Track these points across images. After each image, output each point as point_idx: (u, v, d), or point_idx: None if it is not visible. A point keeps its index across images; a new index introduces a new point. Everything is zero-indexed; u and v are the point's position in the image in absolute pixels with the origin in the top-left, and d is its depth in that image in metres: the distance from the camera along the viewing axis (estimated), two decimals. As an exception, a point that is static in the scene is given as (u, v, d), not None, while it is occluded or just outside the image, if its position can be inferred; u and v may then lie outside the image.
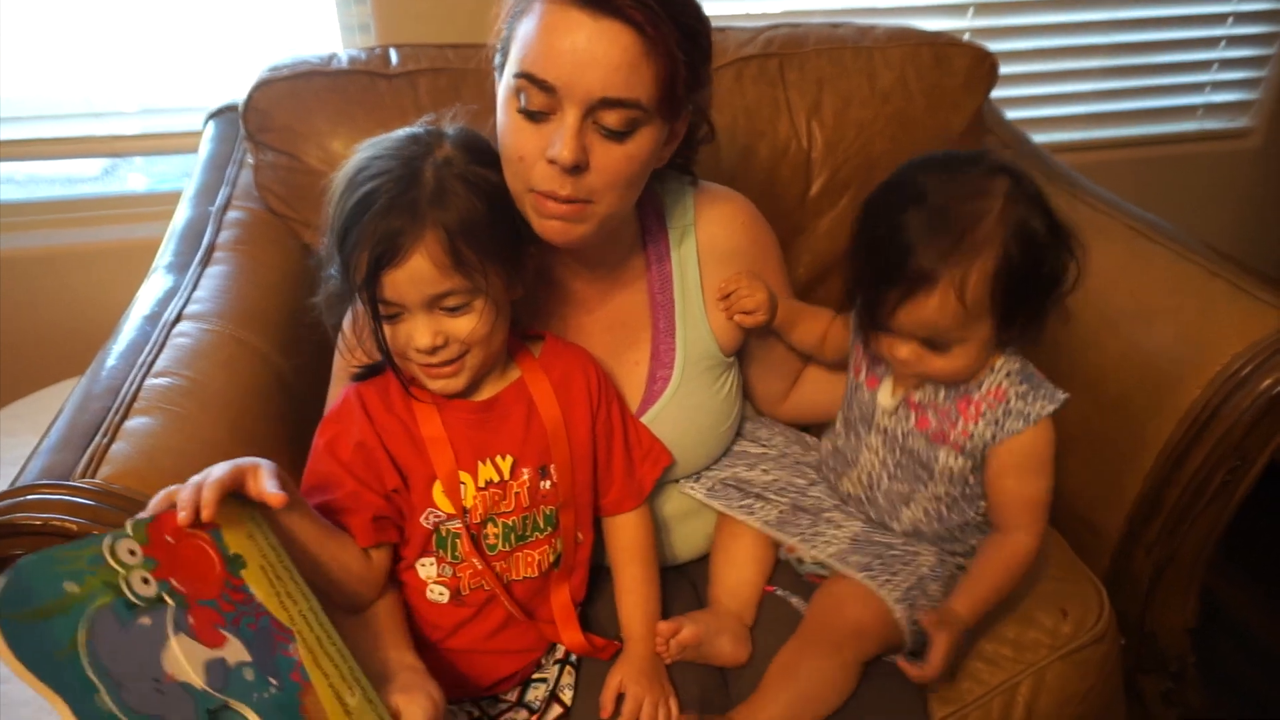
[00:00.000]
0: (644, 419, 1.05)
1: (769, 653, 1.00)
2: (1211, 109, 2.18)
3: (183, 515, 0.69)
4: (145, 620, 0.65)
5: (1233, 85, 2.16)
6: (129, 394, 0.97)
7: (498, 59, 0.91)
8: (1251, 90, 2.17)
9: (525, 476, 0.93)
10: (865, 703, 0.96)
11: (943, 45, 1.49)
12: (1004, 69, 1.53)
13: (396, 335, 0.86)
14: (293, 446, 1.06)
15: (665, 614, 1.02)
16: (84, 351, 1.10)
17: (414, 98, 1.32)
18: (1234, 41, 2.10)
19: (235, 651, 0.67)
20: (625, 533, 1.02)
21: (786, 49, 1.46)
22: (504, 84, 0.88)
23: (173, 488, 0.72)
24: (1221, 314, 1.13)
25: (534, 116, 0.84)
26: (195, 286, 1.16)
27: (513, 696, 0.98)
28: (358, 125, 1.28)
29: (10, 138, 1.64)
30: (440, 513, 0.91)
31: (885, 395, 1.01)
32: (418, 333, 0.84)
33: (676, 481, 1.11)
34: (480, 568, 0.92)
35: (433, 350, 0.85)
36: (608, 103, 0.82)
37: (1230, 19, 2.06)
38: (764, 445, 1.16)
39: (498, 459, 0.92)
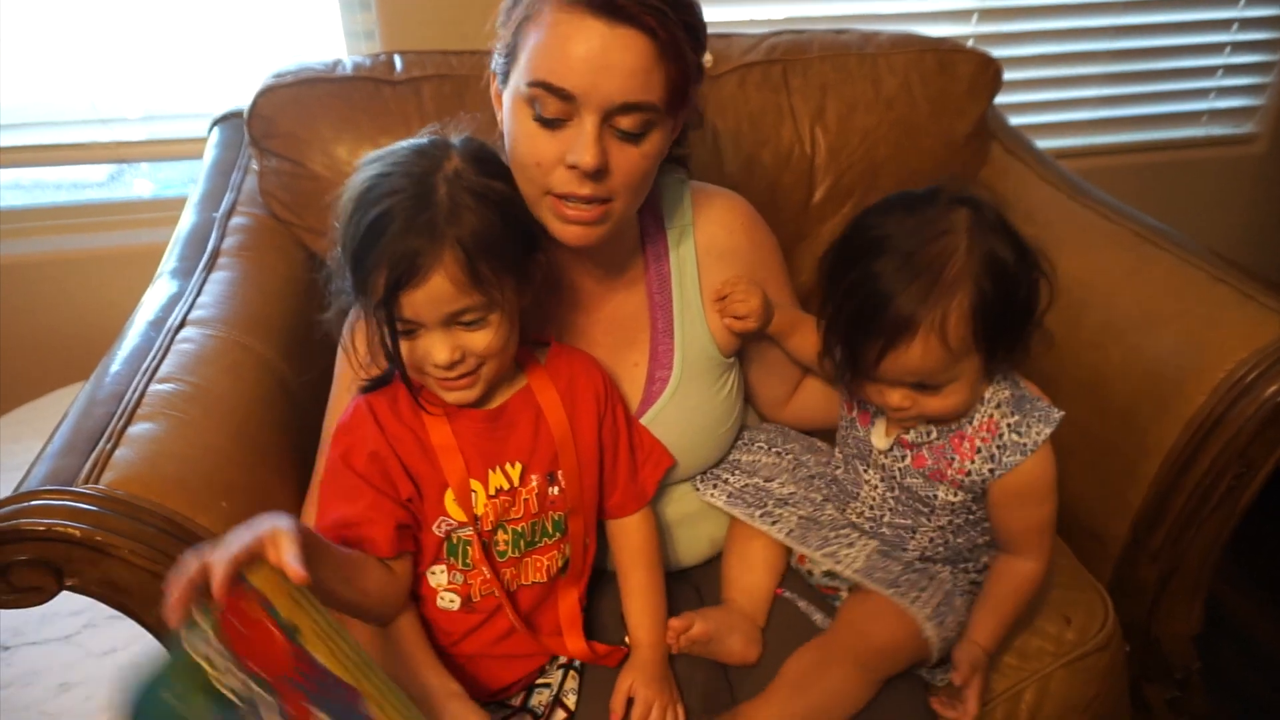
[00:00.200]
0: (643, 420, 1.05)
1: (776, 653, 1.00)
2: (1216, 115, 2.17)
3: (216, 587, 0.63)
4: (245, 713, 0.64)
5: (1238, 91, 2.16)
6: (133, 400, 0.97)
7: (498, 63, 0.91)
8: (1257, 96, 2.17)
9: (534, 483, 0.93)
10: (871, 711, 0.96)
11: (947, 51, 1.49)
12: (1008, 75, 1.53)
13: (414, 351, 0.86)
14: (296, 452, 1.07)
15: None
16: (88, 357, 1.10)
17: (418, 104, 1.32)
18: (1239, 48, 2.09)
19: None
20: (630, 536, 1.02)
21: (790, 55, 1.46)
22: (513, 91, 0.88)
23: (188, 560, 0.65)
24: (1226, 320, 1.13)
25: (550, 124, 0.84)
26: (199, 292, 1.16)
27: (517, 701, 0.98)
28: (362, 131, 1.29)
29: (16, 143, 1.64)
30: (452, 520, 0.91)
31: (879, 437, 1.00)
32: (435, 349, 0.84)
33: (685, 482, 1.10)
34: (489, 576, 0.92)
35: (451, 365, 0.85)
36: (626, 108, 0.83)
37: (1235, 25, 2.06)
38: (779, 454, 1.15)
39: (507, 466, 0.92)
